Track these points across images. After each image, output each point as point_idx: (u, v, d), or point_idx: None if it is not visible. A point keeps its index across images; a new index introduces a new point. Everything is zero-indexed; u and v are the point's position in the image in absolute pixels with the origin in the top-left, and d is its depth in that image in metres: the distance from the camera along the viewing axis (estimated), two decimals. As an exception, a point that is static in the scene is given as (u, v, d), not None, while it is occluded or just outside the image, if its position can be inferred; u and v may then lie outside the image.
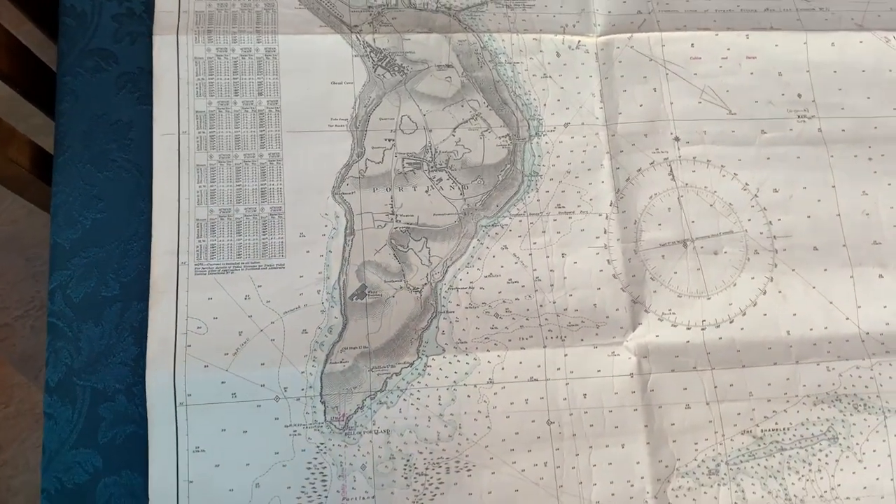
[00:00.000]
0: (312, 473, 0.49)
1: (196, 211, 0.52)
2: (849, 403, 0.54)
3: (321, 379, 0.50)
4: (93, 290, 0.51)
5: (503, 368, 0.52)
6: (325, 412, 0.49)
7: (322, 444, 0.49)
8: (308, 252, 0.52)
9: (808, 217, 0.57)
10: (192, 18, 0.55)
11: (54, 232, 0.51)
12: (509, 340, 0.52)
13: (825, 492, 0.53)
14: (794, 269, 0.56)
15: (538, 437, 0.51)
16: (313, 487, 0.49)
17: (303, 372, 0.50)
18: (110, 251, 0.51)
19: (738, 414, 0.53)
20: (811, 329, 0.55)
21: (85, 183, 0.52)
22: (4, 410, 1.12)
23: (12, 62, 0.55)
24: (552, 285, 0.54)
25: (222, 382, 0.49)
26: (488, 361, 0.51)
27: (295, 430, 0.49)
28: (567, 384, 0.52)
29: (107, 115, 0.54)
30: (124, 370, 0.50)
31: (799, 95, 0.59)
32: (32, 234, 1.18)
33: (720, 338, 0.54)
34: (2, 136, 0.51)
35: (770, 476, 0.52)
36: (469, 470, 0.50)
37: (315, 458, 0.49)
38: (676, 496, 0.51)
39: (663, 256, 0.55)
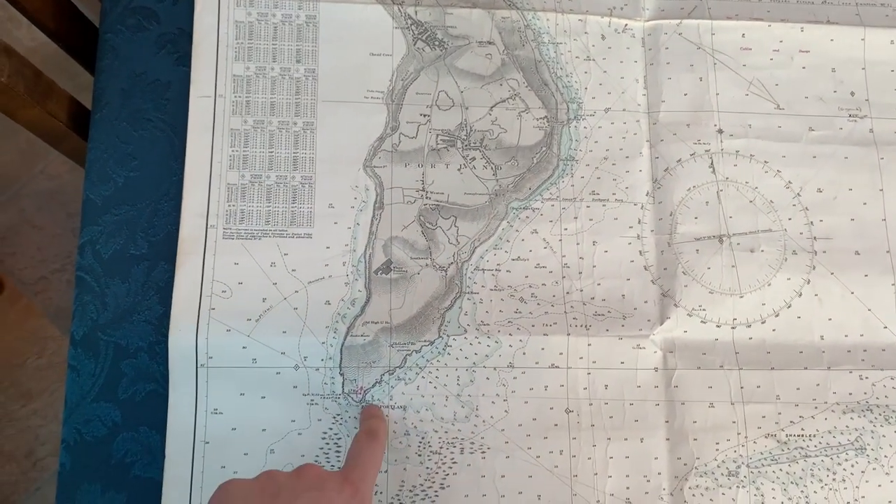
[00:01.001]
0: (327, 443, 0.49)
1: (227, 175, 0.52)
2: (880, 414, 0.52)
3: (341, 351, 0.50)
4: (122, 248, 0.51)
5: (524, 353, 0.51)
6: (343, 384, 0.49)
7: (338, 415, 0.49)
8: (336, 223, 0.52)
9: (852, 220, 0.55)
10: (235, -19, 0.55)
11: (87, 187, 0.52)
12: (532, 326, 0.51)
13: (848, 503, 0.51)
14: (832, 273, 0.54)
15: (555, 425, 0.50)
16: (327, 458, 0.49)
17: (323, 342, 0.49)
18: (141, 210, 0.52)
19: (764, 417, 0.51)
20: (846, 335, 0.53)
21: (120, 141, 0.53)
22: (37, 361, 1.15)
23: (57, 18, 0.55)
24: (580, 273, 0.53)
25: (243, 347, 0.49)
26: (510, 345, 0.51)
27: (312, 400, 0.49)
28: (589, 374, 0.51)
29: (145, 75, 0.54)
30: (148, 328, 0.50)
31: (852, 94, 0.57)
32: (74, 190, 1.20)
33: (750, 338, 0.53)
34: (41, 90, 0.52)
35: (792, 482, 0.51)
36: (483, 452, 0.50)
37: (331, 429, 0.49)
38: (693, 495, 0.50)
39: (697, 251, 0.54)
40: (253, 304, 0.50)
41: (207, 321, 0.49)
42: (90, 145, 0.52)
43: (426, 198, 0.53)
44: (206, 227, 0.51)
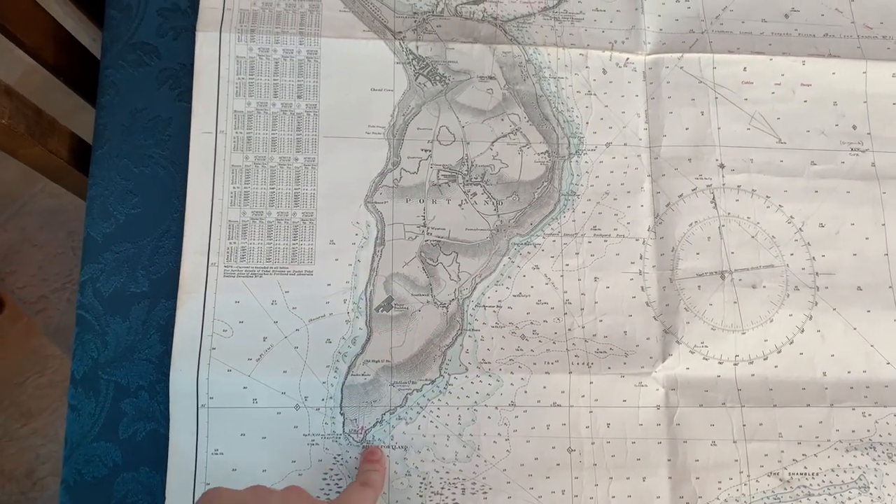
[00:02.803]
0: (328, 484, 0.49)
1: (229, 212, 0.52)
2: (883, 452, 0.52)
3: (342, 390, 0.49)
4: (122, 285, 0.51)
5: (526, 392, 0.51)
6: (343, 424, 0.49)
7: (339, 455, 0.49)
8: (337, 260, 0.52)
9: (854, 255, 0.55)
10: (237, 16, 0.55)
11: (88, 224, 0.52)
12: (534, 363, 0.51)
13: (851, 541, 0.51)
14: (835, 309, 0.54)
15: (558, 464, 0.50)
16: (328, 498, 0.49)
17: (324, 382, 0.49)
18: (142, 247, 0.52)
19: (766, 455, 0.51)
20: (849, 372, 0.53)
21: (121, 177, 0.53)
22: (38, 380, 1.14)
23: (58, 53, 0.55)
24: (582, 309, 0.53)
25: (244, 387, 0.49)
26: (511, 384, 0.51)
27: (313, 440, 0.49)
28: (591, 412, 0.51)
29: (146, 110, 0.54)
30: (149, 367, 0.50)
31: (854, 127, 0.57)
32: (74, 209, 1.20)
33: (753, 375, 0.53)
34: (43, 129, 0.52)
35: (794, 520, 0.51)
36: (485, 493, 0.49)
37: (332, 469, 0.49)
38: (695, 534, 0.50)
39: (699, 287, 0.54)
40: (254, 343, 0.50)
41: (208, 361, 0.49)
42: (91, 182, 0.52)
43: (427, 234, 0.53)
44: (208, 265, 0.51)
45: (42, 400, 1.14)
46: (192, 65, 0.53)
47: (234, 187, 0.52)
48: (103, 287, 0.51)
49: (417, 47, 0.56)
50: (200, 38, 0.54)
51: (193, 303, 0.50)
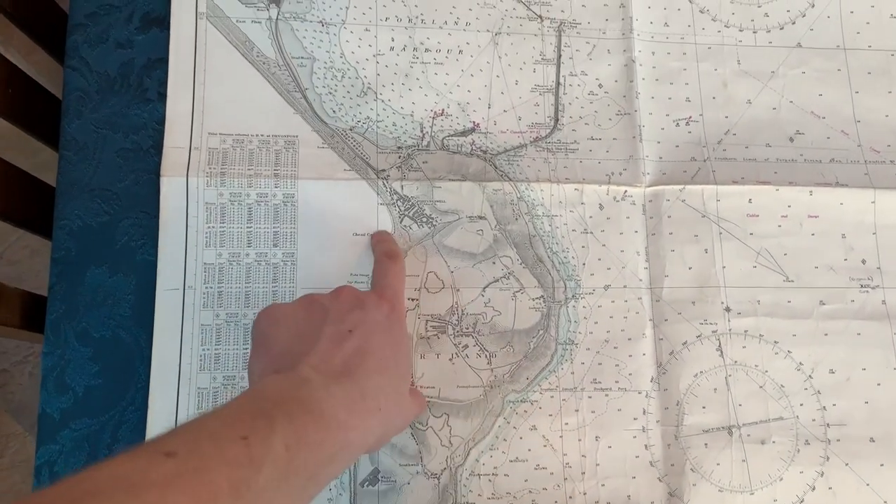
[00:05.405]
0: None
1: (198, 377, 0.48)
2: None
3: (326, 583, 0.45)
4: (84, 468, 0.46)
5: (525, 573, 0.47)
6: None
7: None
8: (319, 430, 0.48)
9: (866, 403, 0.52)
10: (205, 157, 0.50)
11: (43, 401, 0.47)
12: (534, 540, 0.48)
13: None
14: (847, 464, 0.51)
15: None
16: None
17: (307, 575, 0.45)
18: (104, 423, 0.47)
19: None
20: (862, 530, 0.50)
21: (80, 343, 0.48)
22: (-2, 462, 1.09)
23: (8, 196, 0.50)
24: (583, 473, 0.49)
25: (218, 584, 0.44)
26: (510, 566, 0.47)
27: None
28: (594, 590, 0.48)
29: (106, 266, 0.49)
30: (113, 559, 0.45)
31: (863, 261, 0.54)
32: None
33: (763, 538, 0.50)
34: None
35: None
36: None
37: None
38: None
39: (706, 444, 0.50)
40: (229, 532, 0.45)
41: (178, 555, 0.44)
42: (45, 351, 0.47)
43: (416, 394, 0.49)
44: (176, 442, 0.46)
45: (2, 483, 1.08)
46: (156, 214, 0.49)
47: (203, 349, 0.48)
48: (62, 471, 0.46)
49: (402, 186, 0.52)
50: (165, 183, 0.49)
51: (161, 487, 0.45)
